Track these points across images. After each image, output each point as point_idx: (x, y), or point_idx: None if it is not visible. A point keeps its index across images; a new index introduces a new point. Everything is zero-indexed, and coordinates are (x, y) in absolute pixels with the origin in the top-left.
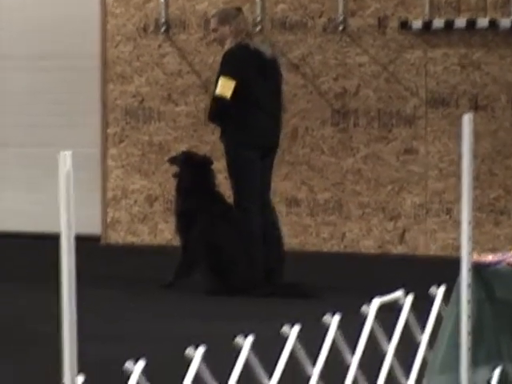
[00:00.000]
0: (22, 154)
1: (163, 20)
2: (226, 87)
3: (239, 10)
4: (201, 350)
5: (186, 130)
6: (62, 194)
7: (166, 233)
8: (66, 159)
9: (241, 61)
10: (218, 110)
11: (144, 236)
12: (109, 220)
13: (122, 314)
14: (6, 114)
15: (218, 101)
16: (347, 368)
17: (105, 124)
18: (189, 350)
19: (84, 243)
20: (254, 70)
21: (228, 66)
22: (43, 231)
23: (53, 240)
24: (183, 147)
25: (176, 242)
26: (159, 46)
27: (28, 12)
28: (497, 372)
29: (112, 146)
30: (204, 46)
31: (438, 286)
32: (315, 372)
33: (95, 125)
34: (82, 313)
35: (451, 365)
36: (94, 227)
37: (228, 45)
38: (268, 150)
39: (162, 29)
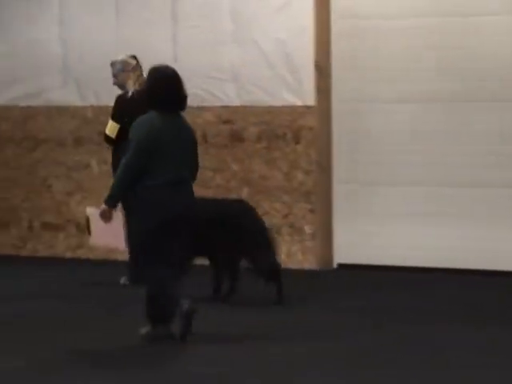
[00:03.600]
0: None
1: None
2: (112, 129)
3: (135, 57)
4: None
5: None
6: None
7: None
8: None
9: (124, 107)
10: (108, 142)
11: None
12: None
13: None
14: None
15: (106, 137)
16: None
17: None
18: None
19: None
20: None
21: (114, 111)
22: None
23: None
24: None
25: None
26: None
27: None
28: None
29: None
30: None
31: None
32: None
33: None
34: None
35: None
36: None
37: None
38: None
39: None
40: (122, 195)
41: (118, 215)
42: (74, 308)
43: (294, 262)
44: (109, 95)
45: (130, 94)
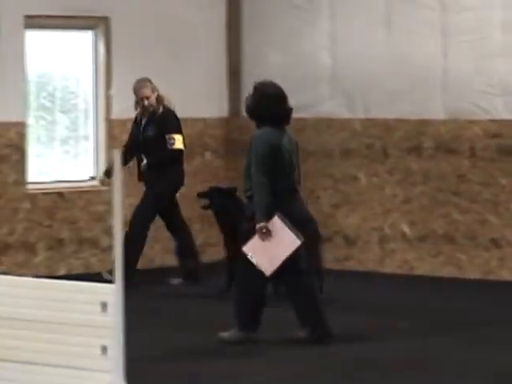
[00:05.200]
0: None
1: None
2: (181, 141)
3: (149, 80)
4: None
5: None
6: None
7: None
8: None
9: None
10: (177, 159)
11: None
12: None
13: None
14: None
15: (178, 152)
16: None
17: None
18: None
19: None
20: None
21: (177, 125)
22: None
23: None
24: None
25: None
26: None
27: None
28: None
29: None
30: None
31: None
32: None
33: None
34: None
35: None
36: None
37: (157, 109)
38: None
39: None
40: (268, 211)
41: (276, 222)
42: (342, 319)
43: None
44: (378, 108)
45: (160, 110)
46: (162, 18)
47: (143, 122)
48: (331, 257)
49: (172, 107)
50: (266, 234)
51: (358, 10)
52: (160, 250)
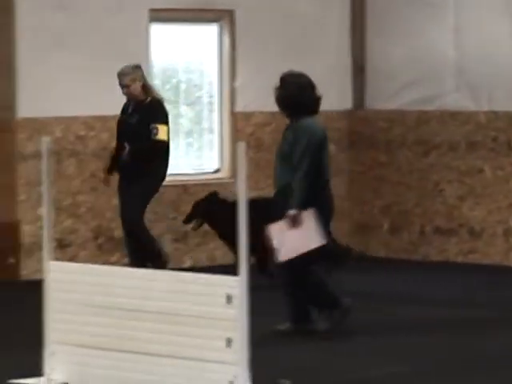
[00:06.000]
0: None
1: None
2: (165, 132)
3: (139, 67)
4: None
5: None
6: None
7: None
8: None
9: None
10: (162, 150)
11: None
12: None
13: None
14: None
15: (161, 143)
16: None
17: None
18: None
19: None
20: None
21: (164, 115)
22: None
23: None
24: None
25: None
26: None
27: None
28: None
29: None
30: None
31: None
32: None
33: None
34: None
35: None
36: None
37: (141, 98)
38: None
39: None
40: (305, 197)
41: (309, 215)
42: (464, 313)
43: None
44: (503, 101)
45: (148, 100)
46: (287, 12)
47: (129, 111)
48: (456, 249)
49: (161, 99)
50: (296, 223)
51: (483, 1)
52: None
